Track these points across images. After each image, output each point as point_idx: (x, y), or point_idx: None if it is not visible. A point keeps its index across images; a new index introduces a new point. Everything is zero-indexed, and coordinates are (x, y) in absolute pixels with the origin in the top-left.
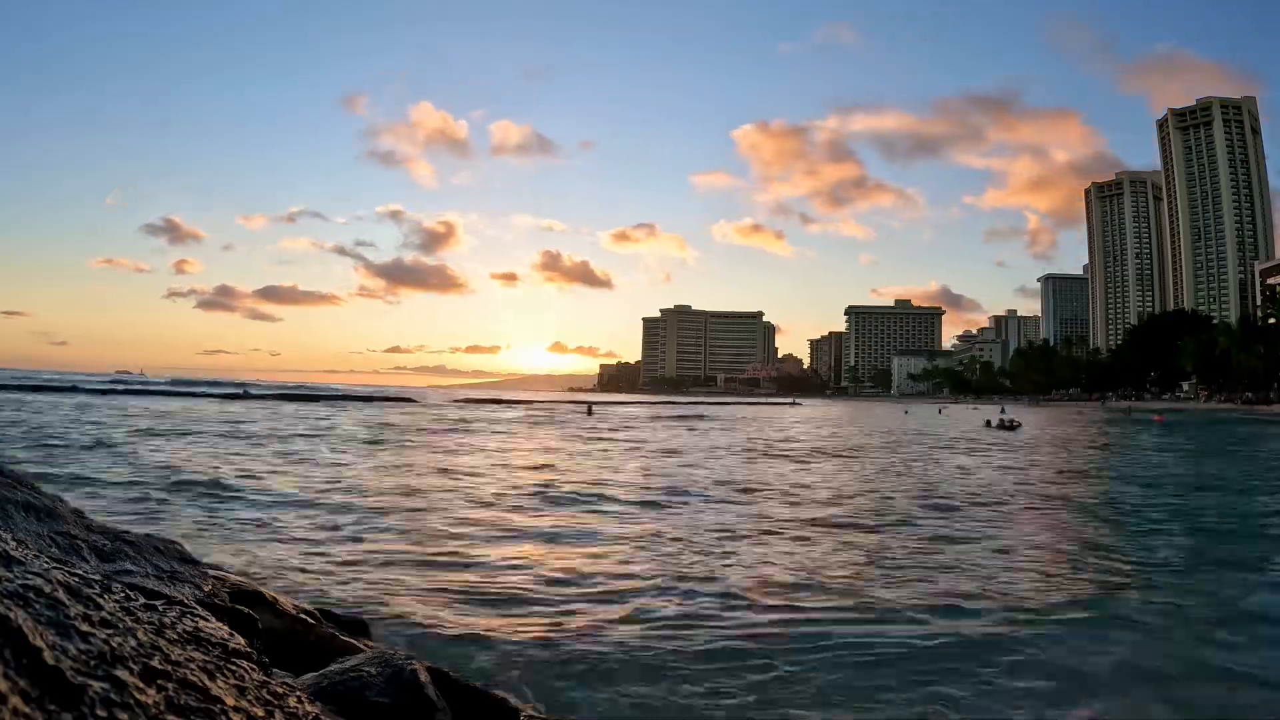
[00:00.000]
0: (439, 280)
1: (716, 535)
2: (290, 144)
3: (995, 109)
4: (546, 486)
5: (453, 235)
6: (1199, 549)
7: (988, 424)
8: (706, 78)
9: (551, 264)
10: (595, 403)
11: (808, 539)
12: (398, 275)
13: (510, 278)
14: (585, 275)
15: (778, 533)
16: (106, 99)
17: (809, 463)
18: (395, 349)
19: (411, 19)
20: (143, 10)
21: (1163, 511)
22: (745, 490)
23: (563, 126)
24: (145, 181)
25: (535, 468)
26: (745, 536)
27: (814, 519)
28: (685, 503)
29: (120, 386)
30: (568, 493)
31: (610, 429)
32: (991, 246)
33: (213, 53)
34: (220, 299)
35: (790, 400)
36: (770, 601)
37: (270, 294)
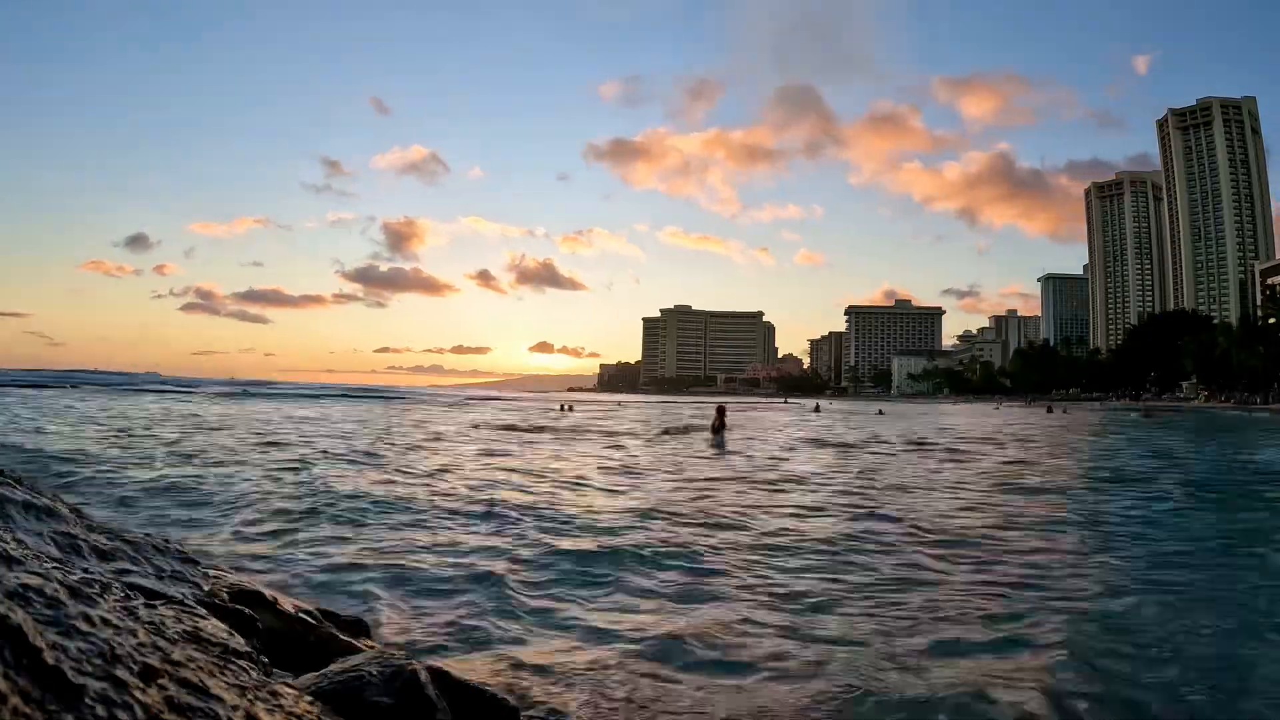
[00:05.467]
0: (415, 283)
1: None
2: (226, 164)
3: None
4: None
5: (416, 238)
6: None
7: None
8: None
9: (517, 265)
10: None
11: None
12: (374, 279)
13: (485, 277)
14: (552, 277)
15: None
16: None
17: None
18: (385, 349)
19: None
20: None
21: None
22: None
23: (452, 147)
24: (118, 187)
25: None
26: None
27: None
28: None
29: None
30: None
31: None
32: (928, 246)
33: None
34: (202, 301)
35: (782, 400)
36: None
37: (254, 297)
